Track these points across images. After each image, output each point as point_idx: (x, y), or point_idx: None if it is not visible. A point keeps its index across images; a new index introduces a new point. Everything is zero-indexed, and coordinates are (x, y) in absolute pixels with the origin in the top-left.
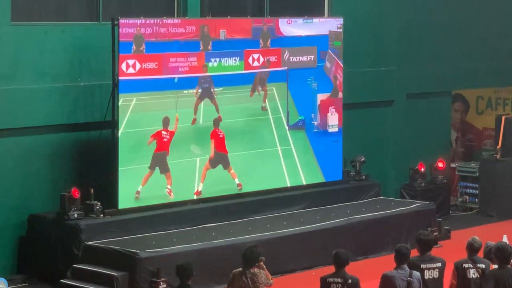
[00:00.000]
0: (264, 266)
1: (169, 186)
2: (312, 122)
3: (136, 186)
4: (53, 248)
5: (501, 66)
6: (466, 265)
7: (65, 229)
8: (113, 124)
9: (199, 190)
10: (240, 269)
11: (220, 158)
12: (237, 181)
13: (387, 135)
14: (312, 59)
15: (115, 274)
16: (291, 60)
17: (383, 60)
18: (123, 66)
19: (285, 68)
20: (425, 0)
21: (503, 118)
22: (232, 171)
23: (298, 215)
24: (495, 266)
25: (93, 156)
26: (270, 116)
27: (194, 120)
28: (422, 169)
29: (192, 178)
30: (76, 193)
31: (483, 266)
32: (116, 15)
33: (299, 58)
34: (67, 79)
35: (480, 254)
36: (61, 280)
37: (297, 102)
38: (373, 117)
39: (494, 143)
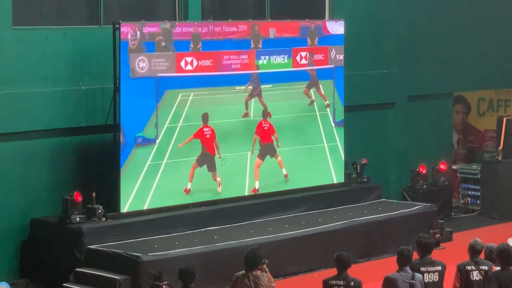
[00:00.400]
0: (267, 269)
1: (218, 179)
2: None
3: (186, 178)
4: (56, 252)
5: (502, 68)
6: (469, 267)
7: (67, 233)
8: (115, 128)
9: (256, 187)
10: (243, 272)
11: (267, 149)
12: (284, 171)
13: (388, 137)
14: None
15: (118, 277)
16: (337, 58)
17: (384, 62)
18: (182, 63)
19: (332, 66)
20: (426, 3)
21: (505, 119)
22: (279, 158)
23: (300, 218)
24: (497, 268)
25: (94, 160)
26: (317, 113)
27: (246, 114)
28: (423, 171)
29: (243, 172)
30: (78, 197)
31: (486, 268)
32: (117, 18)
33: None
34: (68, 83)
35: (482, 256)
36: (64, 284)
37: (342, 100)
38: (375, 120)
39: (495, 145)
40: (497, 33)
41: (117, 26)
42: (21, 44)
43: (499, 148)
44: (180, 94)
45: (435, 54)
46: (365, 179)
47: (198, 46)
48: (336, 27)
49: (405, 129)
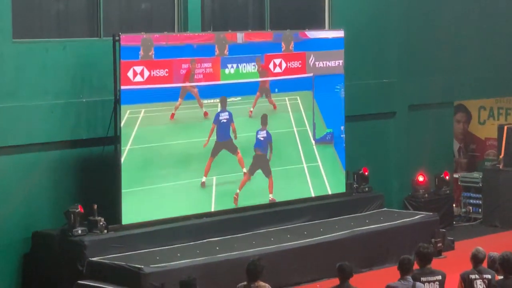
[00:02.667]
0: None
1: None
2: (342, 136)
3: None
4: (58, 264)
5: (502, 76)
6: (472, 276)
7: (69, 245)
8: (116, 140)
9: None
10: (245, 283)
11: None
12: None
13: (389, 147)
14: (340, 64)
15: None
16: (317, 65)
17: (385, 72)
18: (130, 74)
19: (311, 74)
20: (426, 12)
21: (506, 127)
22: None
23: (301, 228)
24: (500, 277)
25: (96, 172)
26: (295, 129)
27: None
28: (422, 180)
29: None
30: (81, 210)
31: (489, 276)
32: (117, 30)
33: (326, 63)
34: (69, 96)
35: (484, 265)
36: None
37: (324, 113)
38: (376, 129)
39: (496, 153)
40: (497, 41)
41: (117, 38)
42: (21, 57)
43: (500, 157)
44: (128, 111)
45: (435, 63)
46: (367, 189)
47: (150, 53)
48: (315, 30)
49: (406, 139)
